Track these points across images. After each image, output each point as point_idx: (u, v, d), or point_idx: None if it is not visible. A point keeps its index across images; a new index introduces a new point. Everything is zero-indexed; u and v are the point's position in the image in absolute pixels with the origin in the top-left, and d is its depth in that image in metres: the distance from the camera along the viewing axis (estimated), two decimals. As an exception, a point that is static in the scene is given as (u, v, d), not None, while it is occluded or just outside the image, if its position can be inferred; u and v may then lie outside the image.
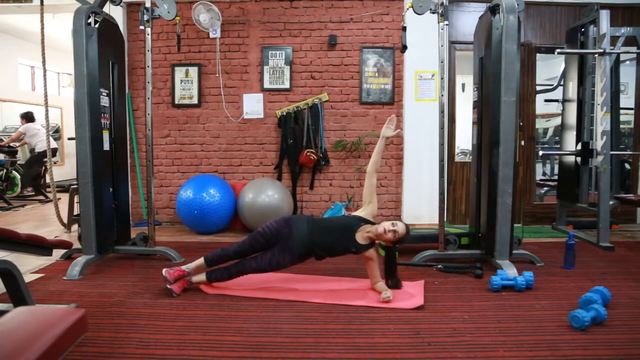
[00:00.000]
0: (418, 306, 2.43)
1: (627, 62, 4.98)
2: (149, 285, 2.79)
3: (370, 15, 4.73)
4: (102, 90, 3.22)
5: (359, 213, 2.78)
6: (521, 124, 4.62)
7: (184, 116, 4.86)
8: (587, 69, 4.16)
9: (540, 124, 6.66)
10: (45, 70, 4.25)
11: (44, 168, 6.81)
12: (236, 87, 4.82)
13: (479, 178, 3.40)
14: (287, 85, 4.79)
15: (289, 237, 2.63)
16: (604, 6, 3.93)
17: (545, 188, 5.87)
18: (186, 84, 4.82)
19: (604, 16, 3.81)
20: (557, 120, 5.82)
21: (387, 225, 2.58)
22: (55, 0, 4.49)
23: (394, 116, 2.92)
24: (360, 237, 2.65)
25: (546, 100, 5.61)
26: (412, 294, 2.62)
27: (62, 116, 8.83)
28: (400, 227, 2.58)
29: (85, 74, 3.07)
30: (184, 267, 2.69)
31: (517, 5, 3.02)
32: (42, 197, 6.74)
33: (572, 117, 4.35)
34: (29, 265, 3.20)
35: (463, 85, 5.94)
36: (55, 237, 3.40)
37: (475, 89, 3.45)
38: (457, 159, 5.00)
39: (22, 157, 7.26)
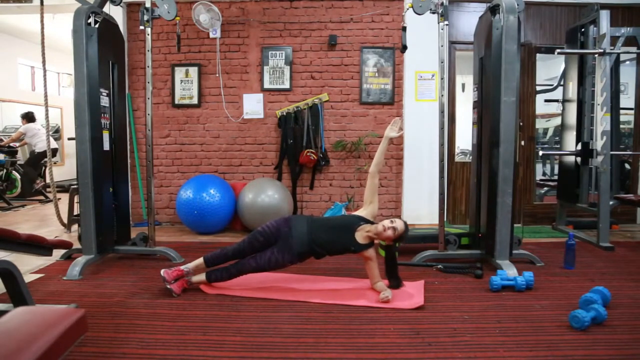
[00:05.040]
0: (418, 306, 2.43)
1: (627, 62, 4.98)
2: (149, 285, 2.79)
3: (370, 15, 4.74)
4: (102, 90, 3.22)
5: (359, 213, 2.79)
6: (521, 124, 4.61)
7: (184, 116, 4.86)
8: (587, 69, 4.16)
9: (540, 124, 6.66)
10: (45, 70, 4.25)
11: (43, 168, 6.81)
12: (236, 87, 4.82)
13: (479, 178, 3.40)
14: (287, 85, 4.79)
15: (288, 235, 2.63)
16: (604, 6, 3.93)
17: (545, 188, 5.87)
18: (186, 84, 4.82)
19: (604, 16, 3.81)
20: (557, 120, 5.82)
21: (386, 223, 2.60)
22: (55, 0, 4.49)
23: (398, 118, 2.93)
24: (360, 236, 2.65)
25: (546, 100, 5.61)
26: (412, 294, 2.62)
27: (62, 116, 8.83)
28: (399, 225, 2.60)
29: (85, 74, 3.07)
30: (182, 267, 2.69)
31: (517, 5, 3.02)
32: (42, 197, 6.74)
33: (572, 117, 4.35)
34: (29, 265, 3.20)
35: (463, 85, 5.94)
36: (55, 237, 3.40)
37: (475, 89, 3.45)
38: (457, 159, 5.00)
39: (22, 157, 7.26)
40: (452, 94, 4.81)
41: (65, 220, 4.51)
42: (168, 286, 2.59)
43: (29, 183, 6.80)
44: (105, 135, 3.31)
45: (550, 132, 7.07)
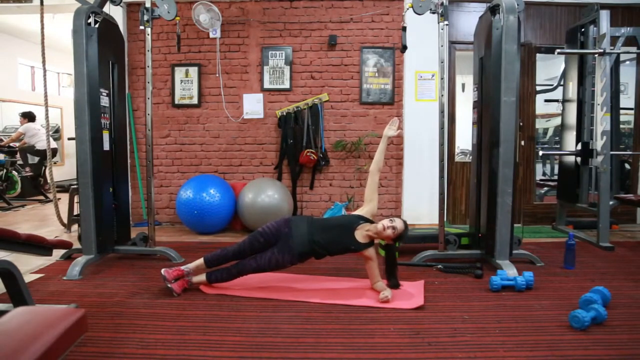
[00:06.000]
0: (418, 306, 2.43)
1: (627, 62, 4.99)
2: (149, 285, 2.79)
3: (370, 15, 4.73)
4: (102, 90, 3.22)
5: (359, 212, 2.79)
6: (521, 124, 4.61)
7: (184, 116, 4.86)
8: (587, 69, 4.16)
9: (540, 124, 6.67)
10: (45, 70, 4.25)
11: (43, 168, 6.81)
12: (236, 87, 4.82)
13: (479, 178, 3.40)
14: (287, 85, 4.79)
15: (288, 236, 2.63)
16: (604, 6, 3.93)
17: (545, 188, 5.88)
18: (186, 84, 4.82)
19: (604, 16, 3.81)
20: (557, 120, 5.82)
21: (385, 222, 2.60)
22: (55, 0, 4.49)
23: (396, 118, 2.93)
24: (360, 235, 2.65)
25: (546, 100, 5.61)
26: (412, 294, 2.62)
27: (62, 116, 8.83)
28: (398, 224, 2.60)
29: (85, 74, 3.07)
30: (183, 267, 2.69)
31: (517, 5, 3.02)
32: (42, 197, 6.74)
33: (572, 117, 4.35)
34: (29, 265, 3.20)
35: (463, 85, 5.94)
36: (55, 237, 3.40)
37: (475, 89, 3.45)
38: (457, 159, 5.01)
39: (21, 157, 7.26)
40: (452, 94, 4.81)
41: (65, 220, 4.51)
42: (168, 285, 2.59)
43: (34, 180, 6.81)
44: (105, 135, 3.31)
45: (550, 132, 7.07)
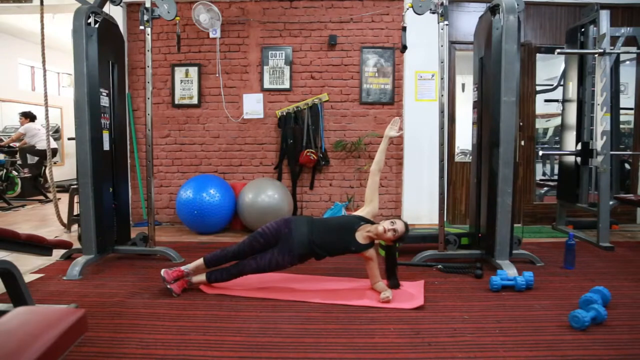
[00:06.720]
0: (418, 306, 2.43)
1: (627, 62, 4.98)
2: (149, 285, 2.79)
3: (370, 15, 4.73)
4: (102, 90, 3.22)
5: (359, 212, 2.79)
6: (521, 124, 4.61)
7: (184, 116, 4.86)
8: (587, 69, 4.16)
9: (540, 124, 6.66)
10: (45, 70, 4.25)
11: (43, 168, 6.81)
12: (236, 87, 4.82)
13: (479, 178, 3.40)
14: (287, 85, 4.79)
15: (288, 237, 2.63)
16: (604, 6, 3.93)
17: (545, 188, 5.87)
18: (186, 84, 4.82)
19: (604, 16, 3.81)
20: (557, 120, 5.82)
21: (386, 224, 2.59)
22: (55, 0, 4.50)
23: (398, 118, 2.93)
24: (360, 236, 2.65)
25: (546, 100, 5.61)
26: (412, 294, 2.62)
27: (62, 116, 8.84)
28: (399, 226, 2.59)
29: (85, 74, 3.07)
30: (182, 268, 2.69)
31: (517, 5, 3.02)
32: (42, 197, 6.74)
33: (572, 117, 4.35)
34: (29, 265, 3.20)
35: (463, 85, 5.93)
36: (55, 237, 3.40)
37: (475, 89, 3.45)
38: (457, 159, 5.00)
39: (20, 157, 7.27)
40: (452, 94, 4.81)
41: (65, 220, 4.51)
42: (168, 286, 2.59)
43: (34, 180, 6.81)
44: (105, 135, 3.31)
45: (550, 132, 7.07)
